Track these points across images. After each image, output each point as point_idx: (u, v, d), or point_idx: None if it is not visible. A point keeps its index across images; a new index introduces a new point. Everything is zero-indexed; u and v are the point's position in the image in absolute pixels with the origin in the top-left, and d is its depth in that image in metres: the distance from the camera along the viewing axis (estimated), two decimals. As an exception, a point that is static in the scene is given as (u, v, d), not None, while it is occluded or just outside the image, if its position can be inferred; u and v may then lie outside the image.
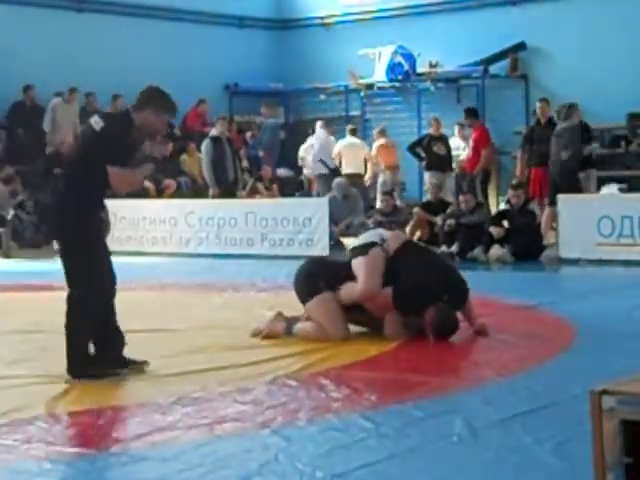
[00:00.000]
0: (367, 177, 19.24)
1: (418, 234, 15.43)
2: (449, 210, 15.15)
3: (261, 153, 21.95)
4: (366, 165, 19.42)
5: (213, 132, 17.46)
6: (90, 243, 6.50)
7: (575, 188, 14.74)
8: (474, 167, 17.55)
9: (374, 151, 19.51)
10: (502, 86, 21.26)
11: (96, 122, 6.53)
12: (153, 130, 6.71)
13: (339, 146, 19.31)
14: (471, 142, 17.41)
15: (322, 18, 24.17)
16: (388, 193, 16.92)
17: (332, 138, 19.49)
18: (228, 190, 17.09)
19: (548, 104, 16.48)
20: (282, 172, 21.96)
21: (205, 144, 17.28)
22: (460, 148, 18.57)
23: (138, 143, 6.64)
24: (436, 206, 15.55)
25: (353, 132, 19.69)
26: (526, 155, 16.46)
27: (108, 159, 6.37)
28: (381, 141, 19.49)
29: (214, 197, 17.07)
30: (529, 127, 17.49)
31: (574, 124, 15.10)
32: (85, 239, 6.48)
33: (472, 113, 17.84)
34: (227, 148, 17.19)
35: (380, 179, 19.33)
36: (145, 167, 6.67)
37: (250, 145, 22.21)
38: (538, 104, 16.81)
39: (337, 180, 17.49)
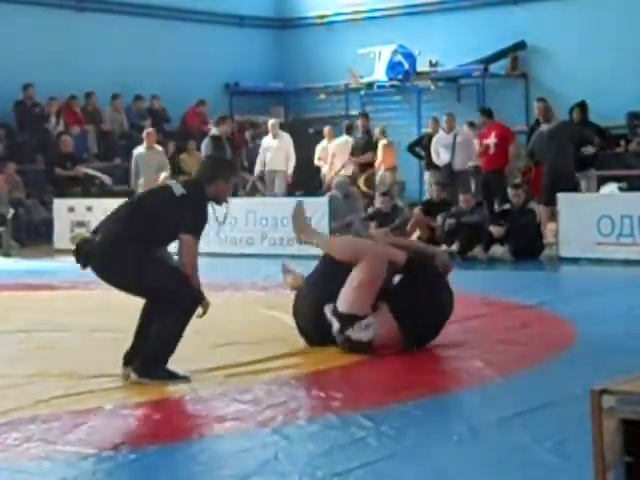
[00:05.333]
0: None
1: (418, 233, 15.45)
2: (453, 209, 15.15)
3: None
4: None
5: (214, 131, 17.44)
6: (148, 275, 6.52)
7: (572, 188, 14.76)
8: (496, 164, 17.15)
9: (379, 151, 19.45)
10: (502, 85, 21.28)
11: (177, 187, 6.66)
12: (225, 196, 6.86)
13: (332, 146, 19.28)
14: (493, 140, 17.10)
15: (322, 17, 24.19)
16: (386, 194, 16.92)
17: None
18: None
19: (546, 103, 16.45)
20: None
21: (205, 143, 17.27)
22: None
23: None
24: (437, 205, 15.53)
25: (349, 131, 19.64)
26: (528, 154, 16.51)
27: (184, 226, 6.46)
28: (384, 141, 19.48)
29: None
30: (530, 126, 17.49)
31: (564, 124, 15.18)
32: (139, 273, 6.50)
33: (488, 113, 17.59)
34: (227, 148, 17.18)
35: (377, 178, 19.30)
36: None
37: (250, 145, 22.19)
38: (536, 104, 16.80)
39: (338, 179, 17.49)
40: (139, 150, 18.06)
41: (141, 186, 17.21)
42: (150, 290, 6.53)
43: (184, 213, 6.53)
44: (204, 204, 6.67)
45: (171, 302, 6.48)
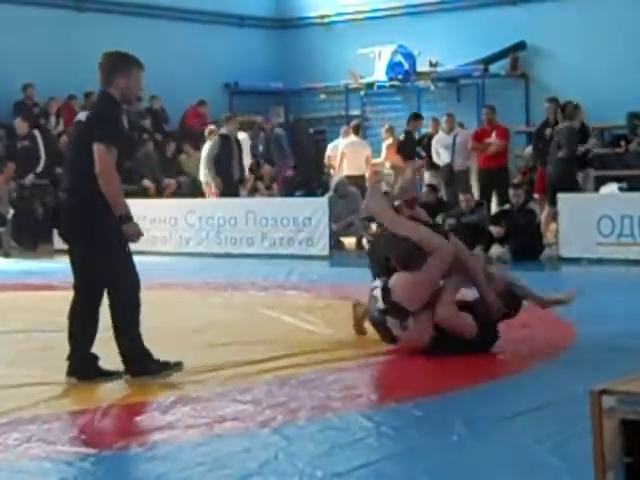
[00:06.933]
0: (367, 178, 19.07)
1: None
2: (453, 209, 15.15)
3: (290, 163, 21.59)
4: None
5: (223, 130, 17.33)
6: (111, 240, 6.42)
7: (572, 188, 14.74)
8: (499, 162, 17.06)
9: (383, 151, 19.43)
10: (502, 85, 21.27)
11: (82, 115, 6.62)
12: (134, 92, 6.70)
13: (341, 146, 19.20)
14: (494, 138, 17.01)
15: (322, 17, 24.20)
16: (387, 193, 16.88)
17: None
18: (233, 190, 17.06)
19: (556, 104, 16.36)
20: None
21: (213, 140, 17.22)
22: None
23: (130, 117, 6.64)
24: (432, 207, 15.51)
25: (356, 130, 19.48)
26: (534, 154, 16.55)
27: (95, 139, 6.30)
28: (390, 140, 19.45)
29: (217, 188, 17.04)
30: (537, 126, 17.44)
31: (573, 125, 15.11)
32: (105, 237, 6.40)
33: (494, 110, 17.52)
34: (235, 148, 17.10)
35: (382, 177, 19.28)
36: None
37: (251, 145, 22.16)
38: (545, 104, 16.73)
39: (336, 179, 17.47)
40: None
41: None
42: (97, 270, 6.45)
43: (94, 131, 6.35)
44: (111, 113, 6.49)
45: (110, 288, 6.43)
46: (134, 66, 6.68)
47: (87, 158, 6.33)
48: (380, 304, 7.26)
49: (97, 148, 6.30)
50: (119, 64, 6.66)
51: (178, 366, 6.56)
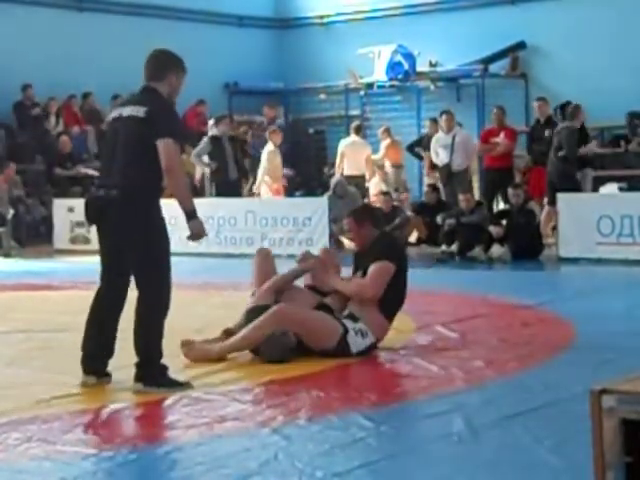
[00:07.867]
0: (368, 178, 19.06)
1: (415, 234, 15.52)
2: (453, 209, 15.15)
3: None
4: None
5: (213, 131, 17.24)
6: (158, 239, 6.38)
7: (572, 188, 14.72)
8: (505, 163, 17.04)
9: (382, 151, 19.43)
10: (502, 85, 21.27)
11: (134, 110, 6.36)
12: (177, 92, 6.60)
13: (342, 146, 19.20)
14: (504, 139, 17.02)
15: (322, 17, 24.21)
16: (387, 193, 16.91)
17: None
18: (230, 190, 17.02)
19: (546, 103, 16.48)
20: (284, 171, 21.89)
21: (204, 142, 17.15)
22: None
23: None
24: (432, 207, 15.53)
25: (357, 131, 19.47)
26: (528, 154, 16.52)
27: (161, 135, 6.17)
28: (388, 140, 19.46)
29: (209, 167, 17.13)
30: (531, 126, 17.49)
31: (574, 125, 15.09)
32: (153, 234, 6.36)
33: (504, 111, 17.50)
34: (228, 148, 16.98)
35: (382, 177, 19.27)
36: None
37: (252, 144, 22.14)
38: (536, 103, 16.81)
39: (335, 179, 17.47)
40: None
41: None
42: (139, 266, 6.38)
43: (155, 126, 6.21)
44: (172, 109, 6.44)
45: (150, 286, 6.36)
46: (181, 69, 6.59)
47: (148, 154, 6.21)
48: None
49: (165, 143, 6.17)
50: (171, 61, 6.55)
51: (187, 385, 6.38)
